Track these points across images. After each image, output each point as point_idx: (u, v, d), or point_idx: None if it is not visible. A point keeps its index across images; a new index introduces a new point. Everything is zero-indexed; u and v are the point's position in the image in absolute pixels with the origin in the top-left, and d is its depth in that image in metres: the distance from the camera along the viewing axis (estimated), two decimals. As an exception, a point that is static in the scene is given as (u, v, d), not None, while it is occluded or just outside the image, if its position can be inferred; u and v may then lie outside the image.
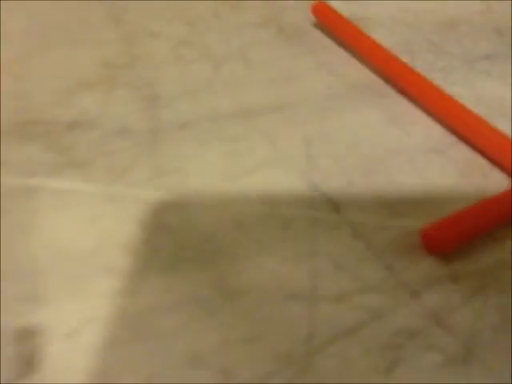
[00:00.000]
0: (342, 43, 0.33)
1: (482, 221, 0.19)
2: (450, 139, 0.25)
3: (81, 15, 0.37)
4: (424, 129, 0.26)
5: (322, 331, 0.17)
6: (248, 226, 0.21)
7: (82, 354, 0.16)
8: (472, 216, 0.19)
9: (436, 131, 0.26)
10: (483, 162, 0.24)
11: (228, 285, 0.18)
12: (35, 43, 0.34)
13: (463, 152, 0.24)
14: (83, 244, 0.20)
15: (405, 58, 0.32)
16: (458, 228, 0.19)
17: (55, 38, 0.34)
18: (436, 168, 0.23)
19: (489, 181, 0.23)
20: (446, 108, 0.25)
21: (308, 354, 0.16)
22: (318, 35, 0.35)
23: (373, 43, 0.30)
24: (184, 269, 0.19)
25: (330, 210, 0.21)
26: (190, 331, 0.17)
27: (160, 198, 0.22)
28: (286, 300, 0.18)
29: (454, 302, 0.18)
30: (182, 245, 0.20)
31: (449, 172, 0.23)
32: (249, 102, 0.28)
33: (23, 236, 0.20)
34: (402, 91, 0.28)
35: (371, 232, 0.20)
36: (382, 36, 0.34)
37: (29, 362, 0.16)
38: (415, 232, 0.20)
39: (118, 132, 0.26)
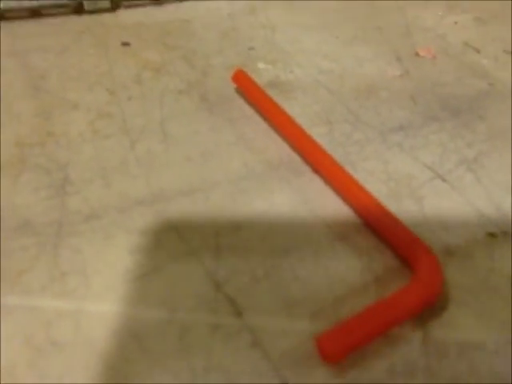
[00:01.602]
0: (260, 115, 0.34)
1: (376, 326, 0.19)
2: (357, 223, 0.25)
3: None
4: (334, 212, 0.26)
5: None
6: (144, 336, 0.20)
7: None
8: (365, 322, 0.19)
9: (345, 214, 0.26)
10: (387, 251, 0.24)
11: None
12: None
13: (369, 238, 0.25)
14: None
15: (323, 129, 0.32)
16: (351, 337, 0.19)
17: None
18: (341, 259, 0.23)
19: (391, 272, 0.23)
20: (352, 194, 0.25)
21: None
22: (239, 102, 0.35)
23: (286, 118, 0.30)
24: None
25: (232, 314, 0.21)
26: None
27: (54, 308, 0.21)
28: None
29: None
30: (73, 364, 0.19)
31: (353, 264, 0.23)
32: (161, 185, 0.27)
33: None
34: (315, 170, 0.28)
35: (270, 339, 0.20)
36: (303, 103, 0.35)
37: None
38: (312, 337, 0.20)
39: (21, 226, 0.25)
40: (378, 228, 0.24)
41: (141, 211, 0.26)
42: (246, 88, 0.34)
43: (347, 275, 0.23)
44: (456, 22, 0.47)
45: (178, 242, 0.24)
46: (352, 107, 0.34)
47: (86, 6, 0.47)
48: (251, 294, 0.22)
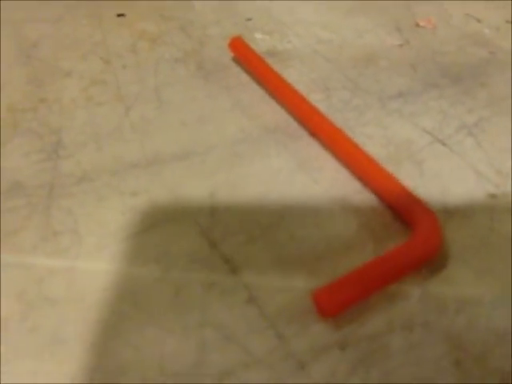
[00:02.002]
0: (257, 81, 0.33)
1: (374, 281, 0.19)
2: (355, 186, 0.25)
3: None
4: (331, 175, 0.26)
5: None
6: (139, 293, 0.20)
7: None
8: (364, 277, 0.19)
9: (342, 177, 0.25)
10: (386, 212, 0.24)
11: (108, 364, 0.17)
12: None
13: (366, 200, 0.24)
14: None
15: (321, 95, 0.32)
16: (349, 291, 0.19)
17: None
18: (338, 219, 0.23)
19: (390, 232, 0.23)
20: (351, 155, 0.25)
21: None
22: (236, 71, 0.35)
23: (283, 84, 0.30)
24: (63, 350, 0.18)
25: (227, 272, 0.21)
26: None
27: (46, 266, 0.21)
28: (168, 379, 0.17)
29: (341, 372, 0.17)
30: (66, 318, 0.19)
31: (350, 223, 0.23)
32: (156, 149, 0.27)
33: None
34: (312, 134, 0.28)
35: (266, 295, 0.20)
36: (300, 71, 0.34)
37: None
38: (308, 294, 0.20)
39: (14, 187, 0.24)
40: (376, 188, 0.24)
41: (135, 174, 0.25)
42: (243, 54, 0.33)
43: (344, 234, 0.22)
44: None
45: (172, 203, 0.24)
46: (350, 75, 0.34)
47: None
48: (247, 253, 0.21)
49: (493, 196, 0.24)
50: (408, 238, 0.22)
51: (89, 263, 0.21)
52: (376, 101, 0.31)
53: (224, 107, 0.30)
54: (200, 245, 0.22)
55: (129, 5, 0.43)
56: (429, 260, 0.20)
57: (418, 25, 0.40)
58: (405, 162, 0.26)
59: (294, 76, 0.33)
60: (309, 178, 0.25)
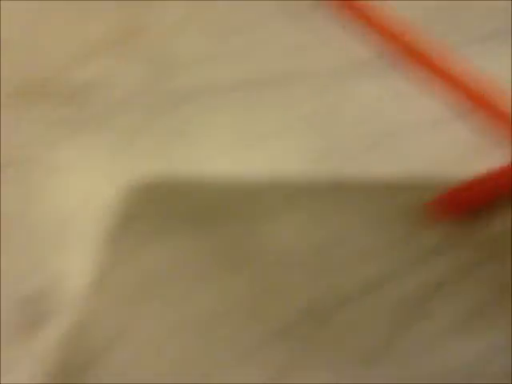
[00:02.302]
0: (348, 18, 0.33)
1: (491, 187, 0.20)
2: (453, 113, 0.25)
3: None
4: (429, 102, 0.26)
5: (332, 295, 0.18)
6: (255, 190, 0.21)
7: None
8: (481, 184, 0.20)
9: (441, 105, 0.26)
10: (483, 140, 0.24)
11: (248, 243, 0.19)
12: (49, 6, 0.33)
13: (467, 126, 0.25)
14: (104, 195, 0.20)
15: (418, 31, 0.32)
16: (469, 193, 0.20)
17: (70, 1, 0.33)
18: (440, 143, 0.24)
19: (489, 159, 0.23)
20: (451, 80, 0.25)
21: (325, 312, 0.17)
22: (322, 12, 0.34)
23: (381, 14, 0.30)
24: (205, 228, 0.20)
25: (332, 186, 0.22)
26: (216, 285, 0.18)
27: (173, 162, 0.22)
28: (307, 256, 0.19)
29: (460, 269, 0.19)
30: (199, 206, 0.20)
31: (452, 147, 0.23)
32: (254, 72, 0.28)
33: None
34: (409, 64, 0.28)
35: (383, 200, 0.21)
36: (397, 8, 0.34)
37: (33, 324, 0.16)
38: (427, 201, 0.21)
39: (131, 95, 0.26)
40: (478, 111, 0.24)
41: (240, 93, 0.26)
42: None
43: (449, 157, 0.23)
44: None
45: (280, 120, 0.25)
46: (447, 14, 0.33)
47: None
48: (353, 168, 0.22)
49: None
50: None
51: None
52: (474, 38, 0.30)
53: (314, 43, 0.30)
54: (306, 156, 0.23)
55: None
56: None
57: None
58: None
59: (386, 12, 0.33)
60: (407, 106, 0.26)
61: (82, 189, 0.21)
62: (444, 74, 0.26)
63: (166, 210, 0.20)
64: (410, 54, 0.28)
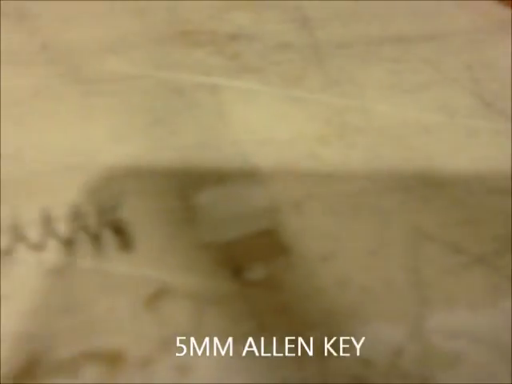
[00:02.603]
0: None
1: None
2: None
3: None
4: None
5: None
6: (432, 131, 0.21)
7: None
8: None
9: None
10: None
11: (434, 175, 0.19)
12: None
13: None
14: (280, 134, 0.21)
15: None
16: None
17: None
18: None
19: None
20: None
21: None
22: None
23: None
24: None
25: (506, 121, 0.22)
26: (408, 211, 0.18)
27: (341, 103, 0.23)
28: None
29: None
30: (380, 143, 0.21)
31: None
32: (399, 30, 0.28)
33: (218, 124, 0.21)
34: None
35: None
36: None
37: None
38: None
39: (280, 46, 0.26)
40: None
41: (388, 46, 0.27)
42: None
43: None
44: None
45: (434, 72, 0.25)
46: None
47: None
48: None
49: None
50: None
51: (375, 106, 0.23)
52: None
53: (449, 5, 0.31)
54: (472, 103, 0.23)
55: None
56: None
57: None
58: None
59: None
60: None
61: (261, 122, 0.22)
62: None
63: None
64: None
